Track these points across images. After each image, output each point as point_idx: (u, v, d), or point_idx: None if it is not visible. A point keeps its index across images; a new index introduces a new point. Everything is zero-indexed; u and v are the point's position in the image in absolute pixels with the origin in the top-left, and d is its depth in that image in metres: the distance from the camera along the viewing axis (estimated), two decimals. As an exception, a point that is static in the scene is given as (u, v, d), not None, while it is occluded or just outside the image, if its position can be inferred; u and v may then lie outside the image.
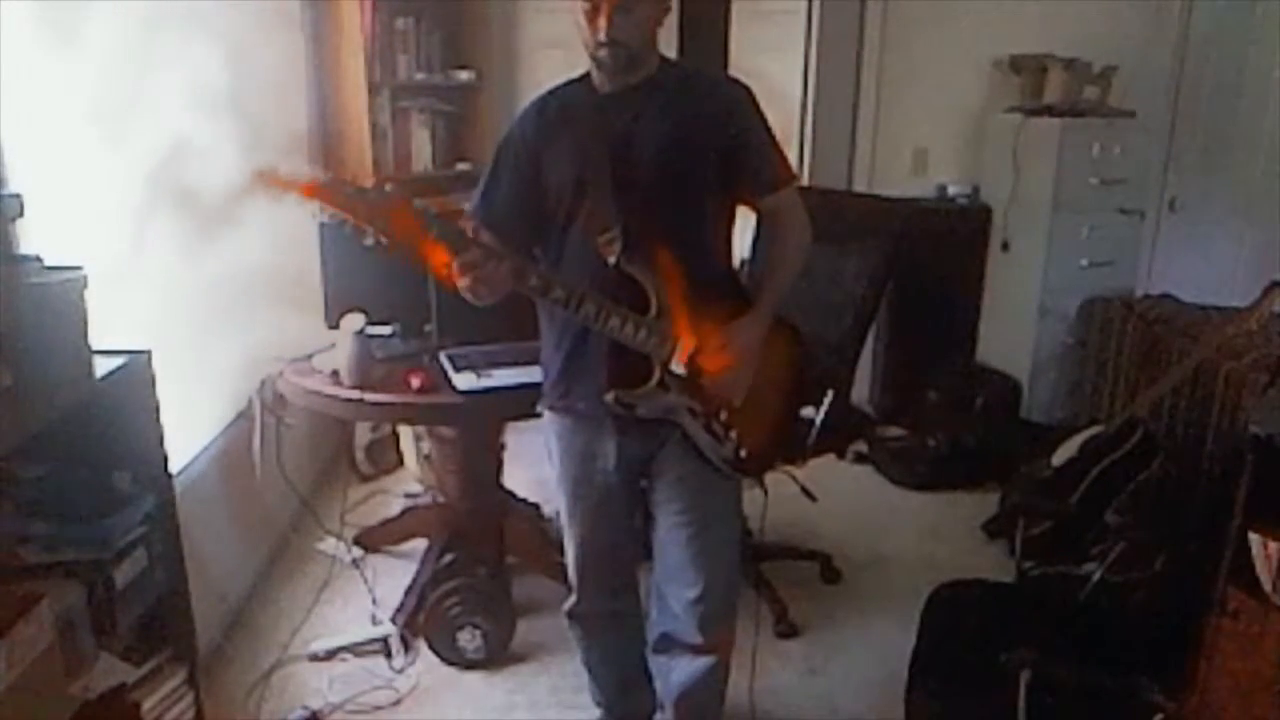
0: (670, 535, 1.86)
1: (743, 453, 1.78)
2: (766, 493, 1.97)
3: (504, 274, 1.58)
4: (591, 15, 1.60)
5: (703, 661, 1.93)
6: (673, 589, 1.89)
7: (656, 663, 2.02)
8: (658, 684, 2.06)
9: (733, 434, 1.76)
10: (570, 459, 1.88)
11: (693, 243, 1.71)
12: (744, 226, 1.84)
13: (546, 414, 1.90)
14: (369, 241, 1.52)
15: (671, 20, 3.83)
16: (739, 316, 1.73)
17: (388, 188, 1.53)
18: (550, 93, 1.78)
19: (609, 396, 1.71)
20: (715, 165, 1.70)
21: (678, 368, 1.68)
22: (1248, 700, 1.62)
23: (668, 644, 1.96)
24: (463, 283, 1.60)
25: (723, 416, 1.75)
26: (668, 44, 3.96)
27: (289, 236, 2.53)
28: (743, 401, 1.74)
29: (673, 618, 1.92)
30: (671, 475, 1.82)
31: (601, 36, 1.60)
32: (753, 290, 1.80)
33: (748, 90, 1.75)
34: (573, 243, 1.73)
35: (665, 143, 1.67)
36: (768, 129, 1.75)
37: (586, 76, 1.75)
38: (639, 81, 1.69)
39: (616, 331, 1.65)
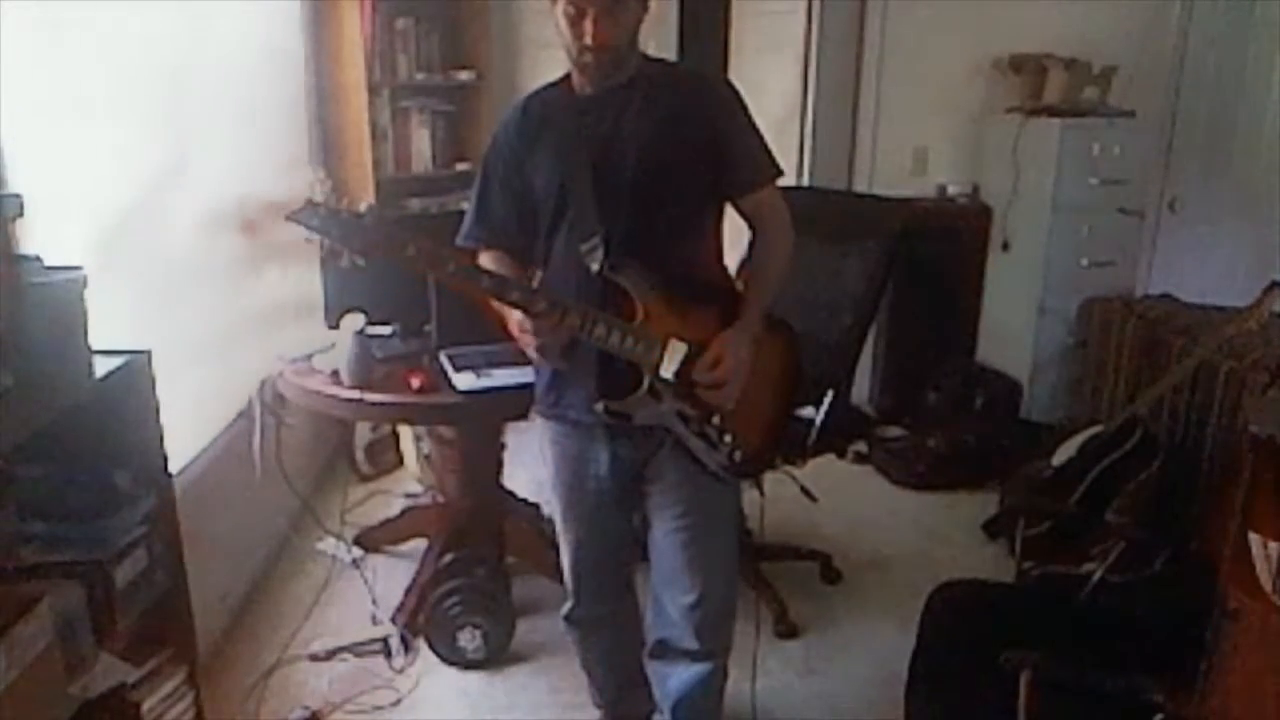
0: (667, 540, 1.84)
1: (738, 456, 1.75)
2: (763, 494, 1.97)
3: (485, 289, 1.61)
4: (576, 20, 1.56)
5: (700, 668, 1.91)
6: (669, 594, 1.87)
7: (653, 668, 2.00)
8: (655, 690, 2.03)
9: (727, 437, 1.73)
10: (564, 465, 1.86)
11: (679, 244, 1.70)
12: (743, 226, 1.82)
13: (539, 420, 1.88)
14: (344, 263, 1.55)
15: (671, 20, 3.84)
16: (732, 317, 1.70)
17: (365, 215, 1.55)
18: (529, 98, 1.76)
19: (598, 406, 1.69)
20: (699, 163, 1.67)
21: (668, 374, 1.66)
22: (1249, 701, 1.61)
23: (664, 650, 1.94)
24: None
25: (716, 421, 1.72)
26: (668, 44, 3.99)
27: (289, 236, 2.52)
28: (736, 404, 1.71)
29: (669, 623, 1.89)
30: (667, 480, 1.80)
31: (588, 41, 1.57)
32: (744, 292, 1.78)
33: (731, 87, 1.73)
34: (558, 250, 1.72)
35: (648, 143, 1.65)
36: (753, 126, 1.73)
37: (566, 79, 1.72)
38: (620, 83, 1.66)
39: (603, 341, 1.63)
